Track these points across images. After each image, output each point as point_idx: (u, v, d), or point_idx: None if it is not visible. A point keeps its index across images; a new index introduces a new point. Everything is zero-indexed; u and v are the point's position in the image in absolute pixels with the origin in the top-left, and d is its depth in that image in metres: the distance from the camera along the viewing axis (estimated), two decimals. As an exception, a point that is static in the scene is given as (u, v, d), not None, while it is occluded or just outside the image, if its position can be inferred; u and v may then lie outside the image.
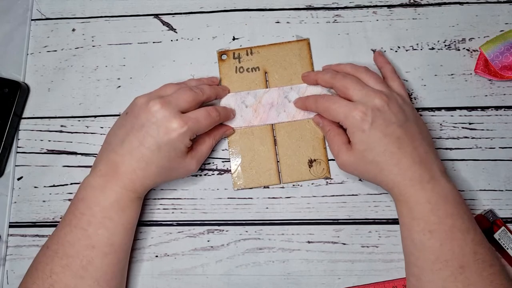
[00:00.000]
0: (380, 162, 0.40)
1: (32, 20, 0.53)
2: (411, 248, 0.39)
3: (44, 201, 0.48)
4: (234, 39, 0.51)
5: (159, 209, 0.47)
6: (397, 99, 0.42)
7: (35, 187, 0.48)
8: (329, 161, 0.47)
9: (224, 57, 0.50)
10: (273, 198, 0.47)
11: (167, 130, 0.40)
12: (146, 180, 0.42)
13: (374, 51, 0.50)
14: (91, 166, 0.48)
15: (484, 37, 0.50)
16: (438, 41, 0.50)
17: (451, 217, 0.38)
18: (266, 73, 0.49)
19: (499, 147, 0.47)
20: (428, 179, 0.39)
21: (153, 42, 0.51)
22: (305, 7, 0.51)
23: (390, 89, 0.43)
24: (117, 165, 0.41)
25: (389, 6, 0.51)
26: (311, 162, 0.47)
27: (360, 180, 0.47)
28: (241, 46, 0.50)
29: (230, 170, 0.48)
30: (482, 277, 0.37)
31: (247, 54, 0.50)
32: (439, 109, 0.48)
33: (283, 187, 0.47)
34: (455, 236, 0.38)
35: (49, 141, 0.49)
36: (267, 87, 0.49)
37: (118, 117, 0.45)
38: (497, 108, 0.48)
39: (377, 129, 0.40)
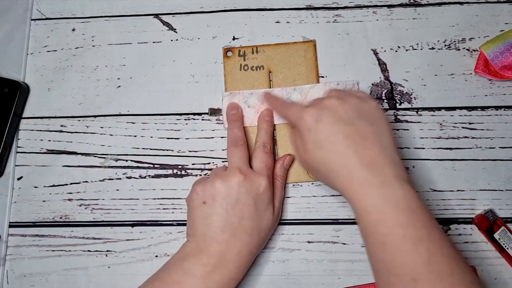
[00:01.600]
0: (328, 162, 0.38)
1: (32, 20, 0.53)
2: (370, 260, 0.37)
3: (44, 201, 0.48)
4: (234, 39, 0.51)
5: (159, 209, 0.47)
6: (352, 99, 0.40)
7: (35, 187, 0.48)
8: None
9: (229, 54, 0.50)
10: (273, 198, 0.47)
11: (257, 188, 0.41)
12: (250, 257, 0.41)
13: (374, 51, 0.50)
14: (91, 166, 0.49)
15: (484, 37, 0.50)
16: (438, 41, 0.50)
17: (401, 226, 0.35)
18: (270, 72, 0.49)
19: (499, 147, 0.47)
20: (378, 184, 0.36)
21: (153, 42, 0.51)
22: (305, 7, 0.51)
23: (351, 93, 0.42)
24: (222, 254, 0.39)
25: (389, 6, 0.51)
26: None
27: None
28: (241, 46, 0.50)
29: (230, 170, 0.48)
30: None
31: (253, 53, 0.50)
32: (439, 109, 0.48)
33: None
34: (406, 248, 0.34)
35: (49, 141, 0.49)
36: (270, 87, 0.49)
37: (189, 202, 0.43)
38: (497, 108, 0.48)
39: (324, 126, 0.38)
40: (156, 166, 0.48)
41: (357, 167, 0.36)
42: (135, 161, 0.48)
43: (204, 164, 0.48)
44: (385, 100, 0.48)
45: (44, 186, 0.48)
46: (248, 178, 0.41)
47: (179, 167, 0.48)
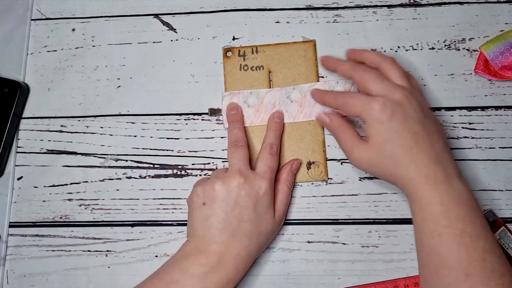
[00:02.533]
0: (397, 156, 0.38)
1: (32, 20, 0.53)
2: (420, 251, 0.38)
3: (44, 201, 0.48)
4: (234, 39, 0.51)
5: (159, 209, 0.47)
6: (417, 96, 0.41)
7: (35, 187, 0.48)
8: (328, 164, 0.47)
9: (229, 54, 0.50)
10: (273, 198, 0.47)
11: (257, 191, 0.41)
12: (248, 259, 0.41)
13: (374, 51, 0.49)
14: (91, 166, 0.49)
15: (484, 37, 0.50)
16: (438, 41, 0.50)
17: (462, 221, 0.36)
18: (270, 72, 0.49)
19: (499, 147, 0.47)
20: (443, 179, 0.37)
21: (153, 42, 0.51)
22: (305, 7, 0.51)
23: (411, 85, 0.42)
24: (221, 255, 0.40)
25: (389, 6, 0.51)
26: (309, 164, 0.47)
27: (360, 180, 0.47)
28: (241, 46, 0.50)
29: (230, 170, 0.48)
30: (488, 286, 0.35)
31: (252, 53, 0.50)
32: (439, 109, 0.48)
33: (283, 187, 0.47)
34: (464, 242, 0.36)
35: (49, 141, 0.49)
36: (270, 87, 0.49)
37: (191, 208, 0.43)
38: (497, 108, 0.48)
39: (396, 122, 0.38)
40: (156, 166, 0.48)
41: (426, 162, 0.38)
42: (135, 161, 0.48)
43: (204, 164, 0.48)
44: (385, 100, 0.48)
45: (44, 186, 0.48)
46: (248, 180, 0.41)
47: (179, 167, 0.48)
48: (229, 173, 0.42)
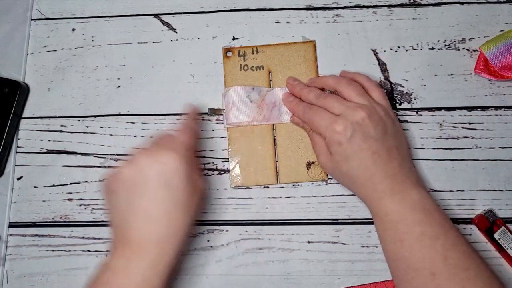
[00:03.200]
0: (353, 176, 0.41)
1: (32, 20, 0.53)
2: (388, 259, 0.40)
3: (44, 201, 0.48)
4: (234, 39, 0.51)
5: (159, 209, 0.47)
6: (379, 112, 0.41)
7: (35, 187, 0.48)
8: (329, 161, 0.47)
9: (229, 54, 0.50)
10: (273, 198, 0.47)
11: (164, 167, 0.37)
12: (175, 237, 0.37)
13: (374, 51, 0.50)
14: (91, 166, 0.49)
15: (484, 37, 0.50)
16: (438, 41, 0.50)
17: (419, 224, 0.38)
18: (270, 72, 0.49)
19: (499, 147, 0.47)
20: (398, 191, 0.40)
21: (153, 42, 0.51)
22: (305, 7, 0.51)
23: (372, 101, 0.42)
24: (135, 240, 0.36)
25: (389, 6, 0.51)
26: (309, 164, 0.47)
27: (360, 180, 0.47)
28: (241, 46, 0.50)
29: (229, 170, 0.48)
30: (454, 282, 0.36)
31: (252, 53, 0.50)
32: (439, 109, 0.48)
33: (283, 187, 0.47)
34: (424, 244, 0.38)
35: (49, 141, 0.49)
36: (270, 87, 0.49)
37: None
38: (497, 108, 0.48)
39: (354, 143, 0.40)
40: (156, 166, 0.48)
41: (382, 179, 0.40)
42: (135, 161, 0.48)
43: (204, 164, 0.48)
44: (385, 100, 0.48)
45: (44, 186, 0.48)
46: (150, 155, 0.38)
47: (179, 167, 0.48)
48: (140, 150, 0.38)
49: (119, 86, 0.50)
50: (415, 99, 0.48)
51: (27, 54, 0.52)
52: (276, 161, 0.47)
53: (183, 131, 0.42)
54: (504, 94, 0.48)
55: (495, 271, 0.39)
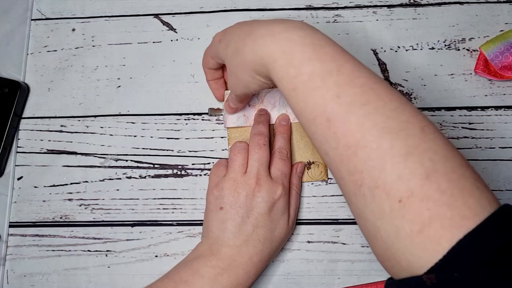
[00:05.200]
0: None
1: (32, 20, 0.53)
2: (298, 116, 0.35)
3: (44, 201, 0.48)
4: (234, 39, 0.51)
5: (159, 209, 0.47)
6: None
7: (35, 187, 0.48)
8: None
9: None
10: (273, 198, 0.47)
11: (273, 197, 0.41)
12: (260, 264, 0.41)
13: (374, 51, 0.50)
14: (91, 166, 0.49)
15: (484, 37, 0.50)
16: (438, 41, 0.50)
17: (308, 62, 0.32)
18: None
19: (499, 147, 0.47)
20: (280, 30, 0.34)
21: (153, 42, 0.51)
22: (305, 7, 0.51)
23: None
24: (233, 259, 0.39)
25: (389, 6, 0.51)
26: (309, 164, 0.47)
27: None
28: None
29: (230, 170, 0.48)
30: (349, 123, 0.31)
31: None
32: (439, 109, 0.48)
33: (283, 187, 0.47)
34: (315, 85, 0.32)
35: (49, 141, 0.49)
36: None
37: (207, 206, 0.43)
38: (497, 108, 0.48)
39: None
40: (156, 166, 0.48)
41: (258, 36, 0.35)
42: (135, 161, 0.48)
43: (204, 164, 0.48)
44: (385, 100, 0.48)
45: (44, 186, 0.48)
46: (265, 186, 0.41)
47: (179, 167, 0.48)
48: (247, 177, 0.41)
49: (119, 86, 0.50)
50: (415, 99, 0.48)
51: (27, 54, 0.52)
52: (276, 161, 0.47)
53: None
54: (504, 94, 0.48)
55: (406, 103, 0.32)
